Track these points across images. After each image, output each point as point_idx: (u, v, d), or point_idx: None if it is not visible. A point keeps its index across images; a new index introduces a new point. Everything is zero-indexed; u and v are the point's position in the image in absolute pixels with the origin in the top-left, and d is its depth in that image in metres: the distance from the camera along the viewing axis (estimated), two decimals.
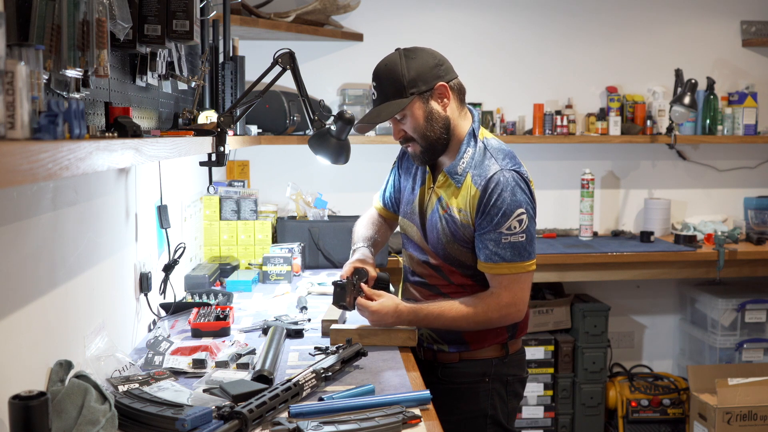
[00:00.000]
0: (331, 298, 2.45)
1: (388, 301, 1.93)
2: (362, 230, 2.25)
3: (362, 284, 1.97)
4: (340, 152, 2.25)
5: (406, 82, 1.86)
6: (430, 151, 1.94)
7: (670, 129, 3.72)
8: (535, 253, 1.91)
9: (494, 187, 1.84)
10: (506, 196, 1.84)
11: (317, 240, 3.07)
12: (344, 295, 1.96)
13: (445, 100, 1.90)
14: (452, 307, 1.88)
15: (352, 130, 2.18)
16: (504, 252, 1.84)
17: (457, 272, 1.95)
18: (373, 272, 2.05)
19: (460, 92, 1.95)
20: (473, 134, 1.94)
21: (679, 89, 3.66)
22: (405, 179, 2.14)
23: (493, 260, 1.86)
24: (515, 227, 1.84)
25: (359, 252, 2.13)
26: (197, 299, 2.35)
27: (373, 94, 1.93)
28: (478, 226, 1.88)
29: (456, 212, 1.91)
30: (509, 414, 2.02)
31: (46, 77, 1.20)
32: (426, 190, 2.02)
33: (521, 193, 1.86)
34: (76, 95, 1.32)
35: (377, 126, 3.53)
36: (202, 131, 1.96)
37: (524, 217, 1.84)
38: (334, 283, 1.98)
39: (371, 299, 1.94)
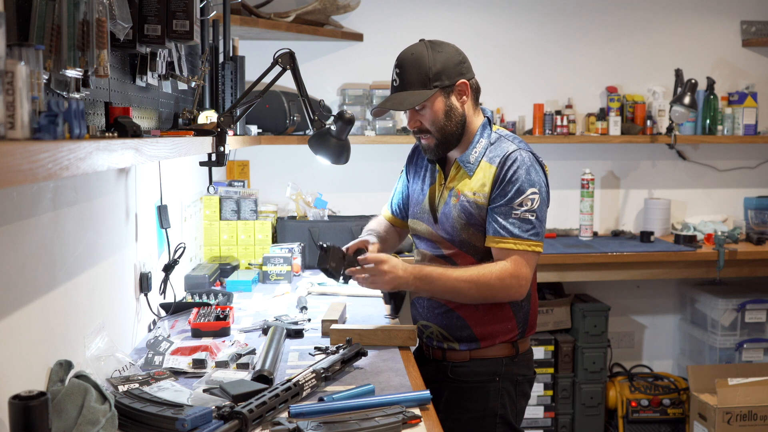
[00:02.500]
0: (331, 298, 2.45)
1: (391, 257, 1.93)
2: (371, 225, 2.26)
3: (360, 257, 1.93)
4: (340, 152, 2.25)
5: (431, 75, 1.89)
6: (444, 145, 1.96)
7: (670, 129, 3.72)
8: (543, 236, 1.91)
9: (511, 163, 1.88)
10: (521, 173, 1.87)
11: (317, 240, 3.06)
12: (327, 258, 1.92)
13: (464, 97, 1.95)
14: (455, 270, 1.90)
15: (356, 127, 2.17)
16: (512, 227, 1.86)
17: (471, 259, 1.95)
18: (374, 251, 2.04)
19: (476, 92, 2.00)
20: (486, 126, 1.99)
21: (679, 89, 3.66)
22: (414, 182, 2.14)
23: (500, 234, 1.87)
24: (527, 204, 1.86)
25: (365, 236, 2.15)
26: (197, 299, 2.35)
27: (395, 81, 1.93)
28: (491, 200, 1.90)
29: (471, 196, 1.93)
30: (518, 413, 2.03)
31: (46, 77, 1.20)
32: (437, 187, 2.03)
33: (536, 173, 1.89)
34: (76, 95, 1.32)
35: (378, 126, 3.57)
36: (202, 131, 1.96)
37: (536, 197, 1.87)
38: (319, 245, 1.95)
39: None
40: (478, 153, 1.95)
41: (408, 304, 2.22)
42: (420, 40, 1.95)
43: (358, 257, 1.93)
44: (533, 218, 1.87)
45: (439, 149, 1.97)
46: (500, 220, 1.87)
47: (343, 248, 2.00)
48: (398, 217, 2.25)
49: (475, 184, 1.93)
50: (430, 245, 2.04)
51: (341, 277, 1.96)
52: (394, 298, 2.10)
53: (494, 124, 2.03)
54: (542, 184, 1.90)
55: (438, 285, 1.89)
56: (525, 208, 1.86)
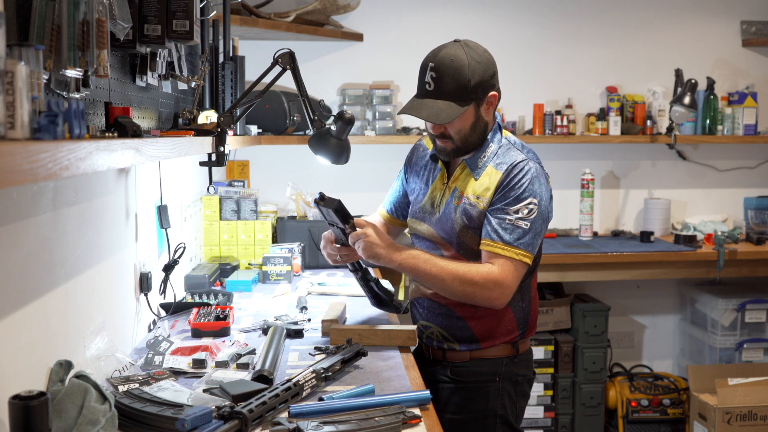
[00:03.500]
0: (331, 298, 2.45)
1: (378, 231, 1.91)
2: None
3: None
4: (340, 152, 2.25)
5: (470, 88, 1.86)
6: (462, 151, 1.96)
7: (670, 129, 3.72)
8: (535, 251, 1.90)
9: (518, 171, 1.88)
10: (525, 182, 1.87)
11: (317, 240, 3.06)
12: (333, 200, 1.88)
13: (491, 108, 1.94)
14: (444, 259, 1.90)
15: (356, 127, 2.16)
16: (503, 232, 1.85)
17: (469, 262, 1.95)
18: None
19: (498, 101, 1.98)
20: (497, 131, 1.99)
21: (679, 89, 3.66)
22: (414, 182, 2.14)
23: (491, 237, 1.87)
24: (523, 213, 1.86)
25: None
26: (197, 299, 2.35)
27: (429, 84, 1.88)
28: (491, 204, 1.90)
29: (474, 199, 1.93)
30: (517, 414, 2.03)
31: (46, 77, 1.20)
32: (439, 185, 2.03)
33: (540, 185, 1.89)
34: (76, 95, 1.32)
35: (378, 126, 3.57)
36: (202, 131, 1.96)
37: (534, 208, 1.86)
38: (315, 201, 1.92)
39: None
40: (487, 157, 1.95)
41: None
42: (455, 41, 1.90)
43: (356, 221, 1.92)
44: (526, 227, 1.85)
45: (456, 154, 1.97)
46: (494, 222, 1.87)
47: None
48: (393, 216, 2.25)
49: (479, 188, 1.93)
50: (429, 245, 2.04)
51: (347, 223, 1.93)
52: (368, 286, 2.07)
53: (504, 129, 2.03)
54: (543, 198, 1.89)
55: (423, 268, 1.87)
56: (520, 215, 1.85)
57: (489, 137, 1.96)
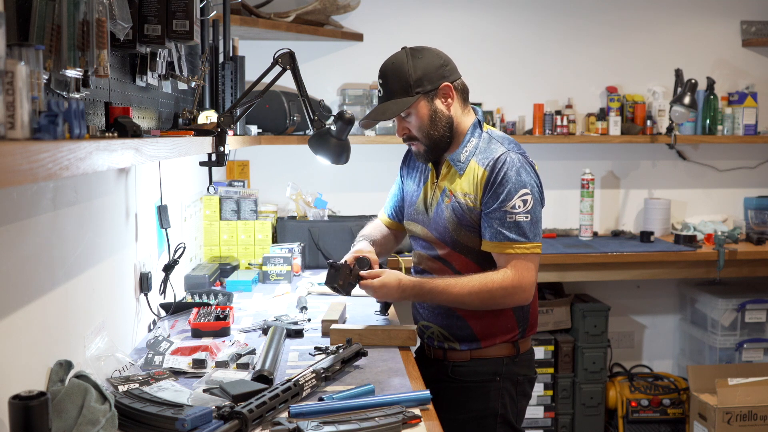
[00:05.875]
0: (331, 298, 2.45)
1: (390, 276, 1.94)
2: (366, 231, 2.28)
3: (362, 272, 1.98)
4: (340, 152, 2.25)
5: (412, 81, 1.90)
6: (434, 150, 1.97)
7: (670, 129, 3.72)
8: (540, 236, 1.92)
9: (501, 166, 1.89)
10: (512, 175, 1.87)
11: (317, 240, 3.07)
12: (337, 277, 1.97)
13: (449, 99, 1.95)
14: (457, 282, 1.90)
15: (356, 127, 2.20)
16: (508, 231, 1.86)
17: (465, 259, 1.96)
18: (374, 257, 2.08)
19: (463, 92, 2.00)
20: (477, 126, 1.99)
21: (679, 89, 3.66)
22: (408, 183, 2.15)
23: (498, 239, 1.88)
24: (519, 206, 1.87)
25: (359, 243, 2.17)
26: (197, 299, 2.35)
27: (379, 91, 1.96)
28: (484, 204, 1.90)
29: (461, 197, 1.93)
30: (518, 414, 2.03)
31: (46, 77, 1.20)
32: (429, 186, 2.04)
33: (527, 174, 1.90)
34: (76, 95, 1.32)
35: (378, 126, 3.57)
36: (202, 131, 1.96)
37: (529, 198, 1.87)
38: (329, 263, 2.00)
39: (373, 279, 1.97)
40: (468, 152, 1.96)
41: (402, 304, 2.23)
42: (402, 48, 1.96)
43: (361, 272, 1.97)
44: (528, 220, 1.87)
45: (429, 154, 1.99)
46: (495, 225, 1.88)
47: (346, 260, 2.03)
48: (395, 220, 2.26)
49: (465, 185, 1.93)
50: (425, 246, 2.04)
51: (347, 291, 2.01)
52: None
53: (486, 123, 2.04)
54: (534, 185, 1.90)
55: (441, 299, 1.91)
56: (519, 210, 1.87)
57: (469, 132, 1.97)
